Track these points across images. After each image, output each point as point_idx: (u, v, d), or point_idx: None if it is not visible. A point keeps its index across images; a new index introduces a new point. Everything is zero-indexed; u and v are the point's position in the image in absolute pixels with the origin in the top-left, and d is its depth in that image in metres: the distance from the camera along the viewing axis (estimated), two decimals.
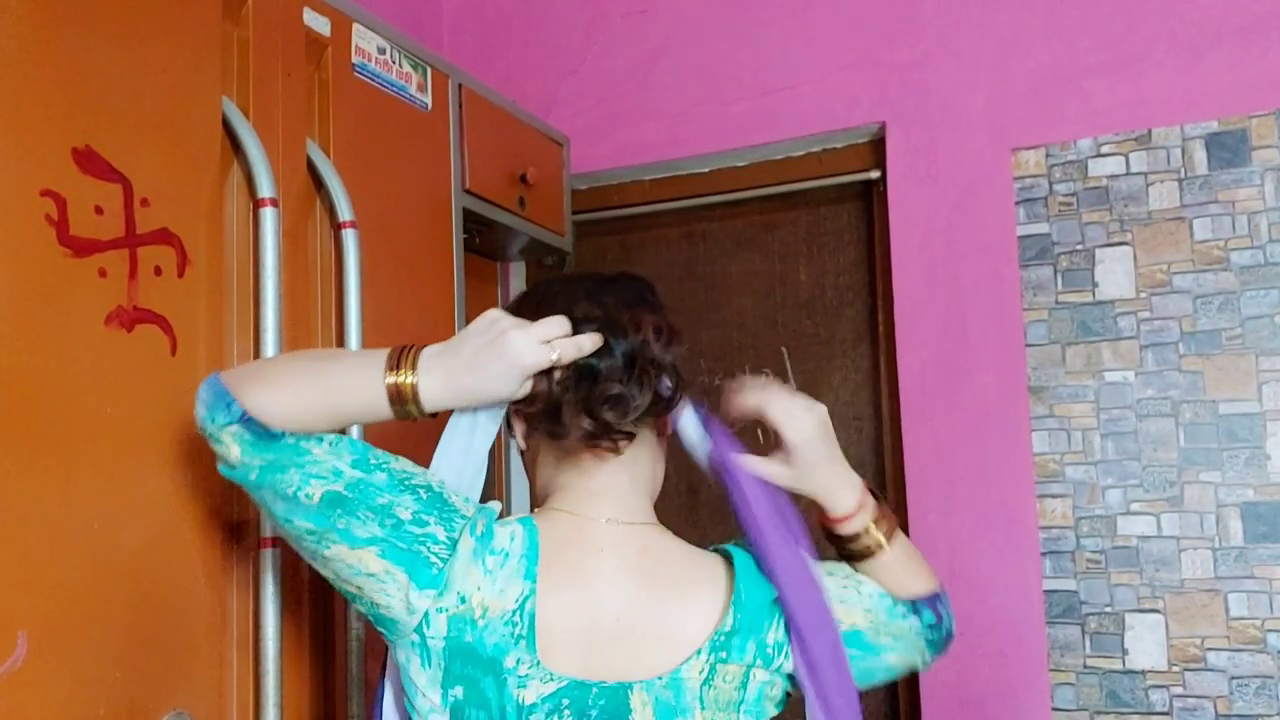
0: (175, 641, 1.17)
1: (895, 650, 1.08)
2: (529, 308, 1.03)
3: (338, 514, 0.94)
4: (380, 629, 0.99)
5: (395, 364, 0.96)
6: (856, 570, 1.08)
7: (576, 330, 0.99)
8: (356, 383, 0.97)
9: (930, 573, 1.12)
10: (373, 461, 0.97)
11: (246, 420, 0.94)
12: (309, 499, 0.94)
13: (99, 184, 1.11)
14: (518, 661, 0.93)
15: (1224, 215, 1.89)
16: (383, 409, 0.97)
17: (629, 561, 1.00)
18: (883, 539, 1.06)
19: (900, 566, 1.08)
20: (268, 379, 0.98)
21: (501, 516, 1.02)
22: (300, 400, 0.96)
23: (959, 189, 2.08)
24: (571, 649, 0.95)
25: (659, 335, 1.01)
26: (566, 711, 0.93)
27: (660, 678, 0.95)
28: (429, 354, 0.98)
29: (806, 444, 1.02)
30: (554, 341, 0.97)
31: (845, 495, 1.05)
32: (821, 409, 1.04)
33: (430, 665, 0.94)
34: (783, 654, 1.00)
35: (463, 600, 0.93)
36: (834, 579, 1.06)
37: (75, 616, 1.06)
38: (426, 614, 0.94)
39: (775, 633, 1.00)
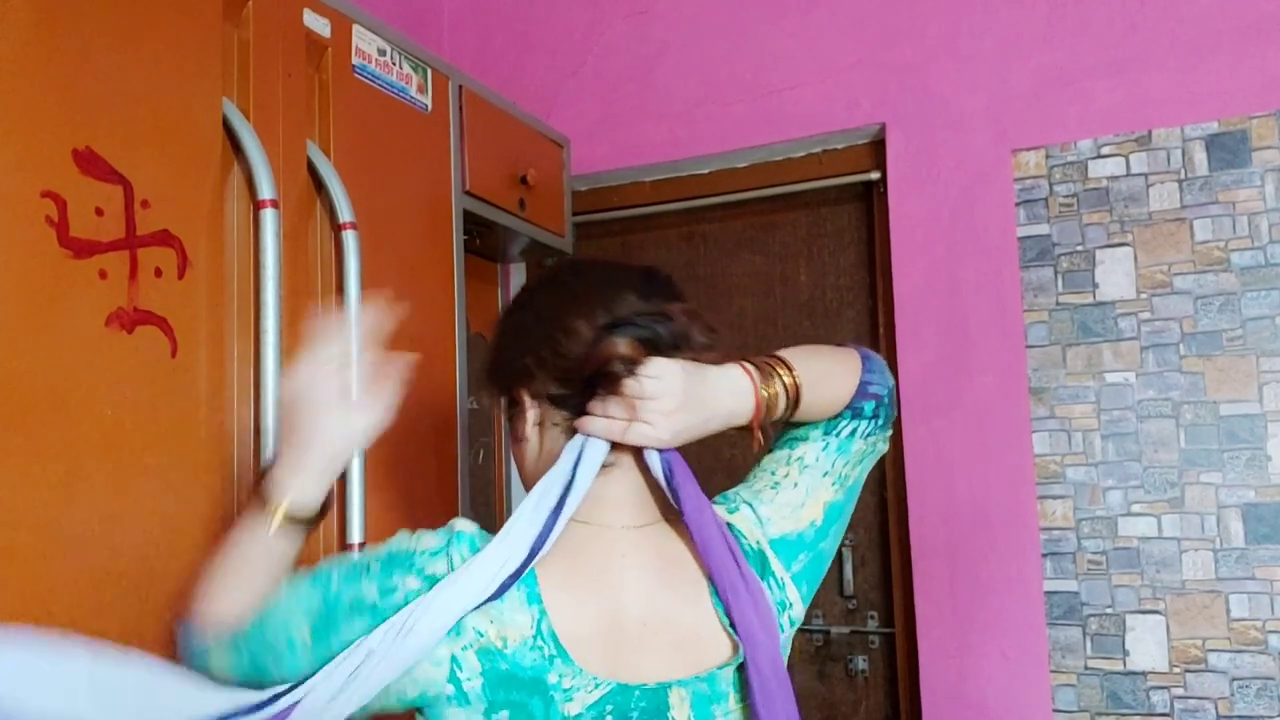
0: (175, 643, 1.17)
1: (864, 466, 1.07)
2: (580, 292, 1.00)
3: (331, 635, 0.91)
4: (422, 714, 0.95)
5: (266, 506, 0.95)
6: (793, 437, 1.05)
7: (631, 335, 0.95)
8: (259, 552, 0.96)
9: (842, 364, 1.05)
10: (318, 577, 0.95)
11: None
12: (303, 640, 0.91)
13: (99, 185, 1.12)
14: (560, 676, 0.91)
15: (1224, 216, 1.89)
16: (294, 549, 0.97)
17: (649, 565, 0.98)
18: (795, 383, 0.98)
19: (821, 381, 1.01)
20: (208, 596, 0.97)
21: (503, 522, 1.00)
22: (232, 597, 0.95)
23: (959, 190, 2.08)
24: (600, 655, 0.94)
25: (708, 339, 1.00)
26: (609, 717, 0.92)
27: (698, 677, 0.95)
28: (273, 477, 0.96)
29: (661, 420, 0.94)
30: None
31: (742, 404, 0.97)
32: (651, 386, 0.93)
33: (469, 704, 0.91)
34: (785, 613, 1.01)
35: (480, 634, 0.91)
36: (782, 489, 1.03)
37: (75, 618, 1.06)
38: (454, 658, 0.90)
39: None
